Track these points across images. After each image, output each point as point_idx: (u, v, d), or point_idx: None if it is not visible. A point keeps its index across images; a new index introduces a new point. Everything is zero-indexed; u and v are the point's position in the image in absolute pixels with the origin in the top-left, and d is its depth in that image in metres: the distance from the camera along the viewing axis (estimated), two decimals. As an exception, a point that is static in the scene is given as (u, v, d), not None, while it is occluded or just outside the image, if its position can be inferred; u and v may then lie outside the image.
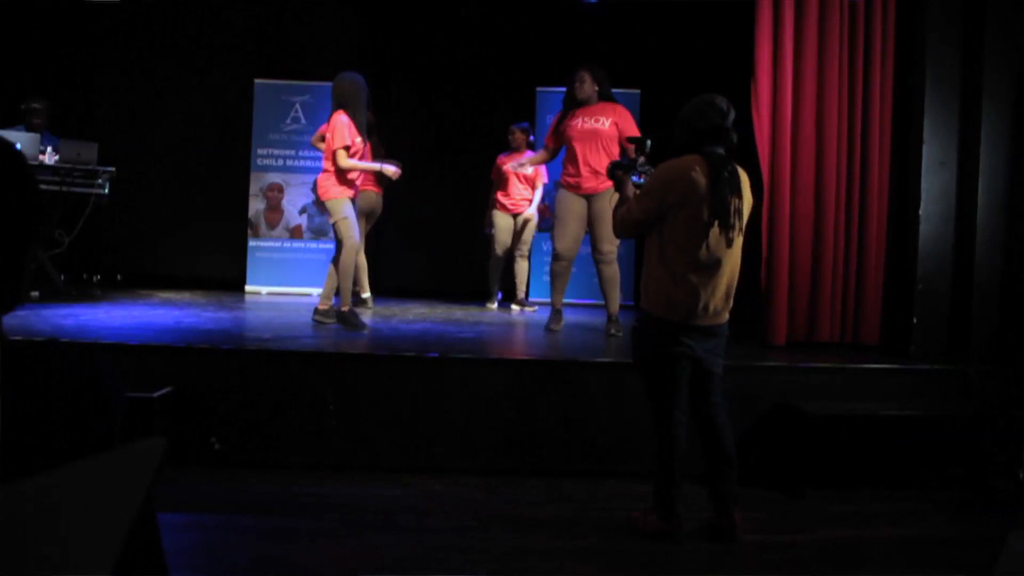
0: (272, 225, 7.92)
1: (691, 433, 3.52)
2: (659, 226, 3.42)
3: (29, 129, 6.56)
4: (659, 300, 3.43)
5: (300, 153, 7.85)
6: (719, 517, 3.51)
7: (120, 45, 8.02)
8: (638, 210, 3.47)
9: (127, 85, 8.00)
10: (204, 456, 4.30)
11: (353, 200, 5.61)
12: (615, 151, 5.38)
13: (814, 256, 5.31)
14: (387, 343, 5.08)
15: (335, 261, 5.65)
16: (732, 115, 3.45)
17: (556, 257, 5.67)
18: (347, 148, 5.43)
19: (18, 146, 1.07)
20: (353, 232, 5.52)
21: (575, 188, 5.51)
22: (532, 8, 8.01)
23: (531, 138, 7.18)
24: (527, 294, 7.49)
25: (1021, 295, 4.99)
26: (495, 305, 7.35)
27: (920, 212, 5.14)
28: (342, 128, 5.46)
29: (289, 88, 7.94)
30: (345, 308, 5.55)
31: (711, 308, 3.41)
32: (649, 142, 3.98)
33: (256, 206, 7.95)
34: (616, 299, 5.62)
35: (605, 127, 5.42)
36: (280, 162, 7.91)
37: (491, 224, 7.29)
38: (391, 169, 5.72)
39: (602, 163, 5.25)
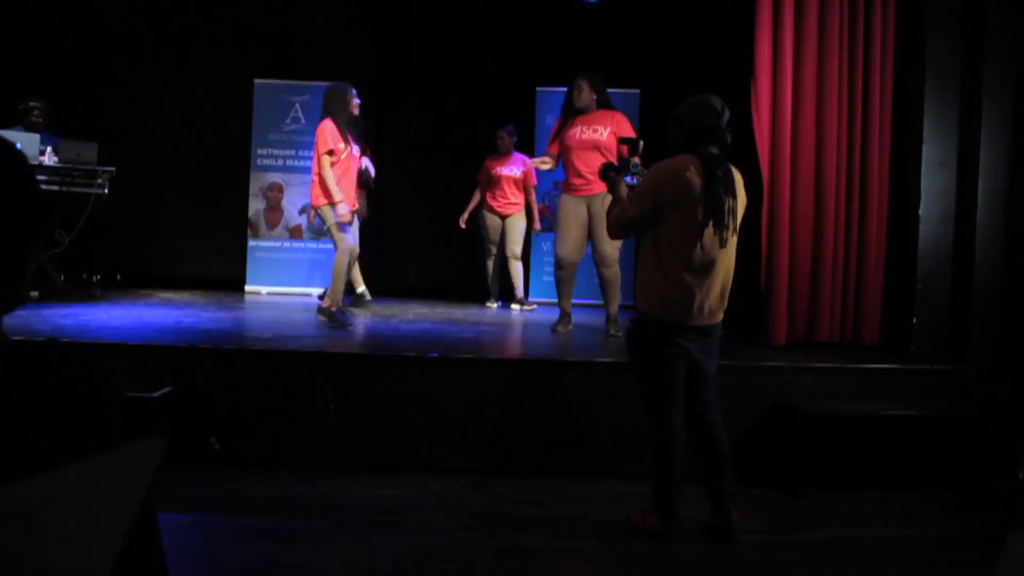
0: (272, 225, 7.93)
1: (686, 432, 3.52)
2: (654, 226, 3.43)
3: (28, 129, 6.56)
4: (655, 300, 3.43)
5: (300, 153, 7.86)
6: (716, 516, 3.52)
7: (120, 45, 8.01)
8: (632, 210, 3.47)
9: (127, 85, 8.00)
10: (204, 456, 4.30)
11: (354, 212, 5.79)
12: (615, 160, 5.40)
13: (814, 256, 5.31)
14: (387, 343, 5.08)
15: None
16: (727, 115, 3.45)
17: (558, 264, 5.67)
18: (330, 153, 5.61)
19: (18, 146, 1.06)
20: (345, 236, 5.67)
21: (575, 191, 5.52)
22: (532, 8, 8.02)
23: (514, 139, 7.20)
24: (527, 293, 7.50)
25: (1021, 295, 4.99)
26: (495, 304, 7.36)
27: (920, 212, 5.14)
28: (324, 134, 5.65)
29: (289, 88, 7.94)
30: (333, 307, 5.72)
31: (706, 308, 3.41)
32: (642, 143, 3.98)
33: (256, 206, 7.95)
34: (616, 300, 5.63)
35: (603, 137, 5.44)
36: (280, 162, 7.92)
37: (479, 224, 7.33)
38: (343, 209, 5.72)
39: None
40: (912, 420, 4.38)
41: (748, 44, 5.37)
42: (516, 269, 7.28)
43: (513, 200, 7.18)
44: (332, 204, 5.64)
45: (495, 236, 7.28)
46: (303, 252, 7.94)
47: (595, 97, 5.53)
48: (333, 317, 5.71)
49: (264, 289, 7.82)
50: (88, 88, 7.89)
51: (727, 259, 3.46)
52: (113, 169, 6.63)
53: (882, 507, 4.10)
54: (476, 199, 7.33)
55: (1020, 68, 5.03)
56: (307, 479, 4.24)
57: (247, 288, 7.85)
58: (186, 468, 4.14)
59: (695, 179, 3.34)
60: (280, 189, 7.90)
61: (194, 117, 8.00)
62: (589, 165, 5.38)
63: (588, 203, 5.48)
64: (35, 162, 6.22)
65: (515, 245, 7.21)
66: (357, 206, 5.89)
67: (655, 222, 3.41)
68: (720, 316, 3.51)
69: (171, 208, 8.04)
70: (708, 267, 3.38)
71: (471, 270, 8.04)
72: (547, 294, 7.37)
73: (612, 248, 5.43)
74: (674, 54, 7.52)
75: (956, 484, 4.30)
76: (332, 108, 5.74)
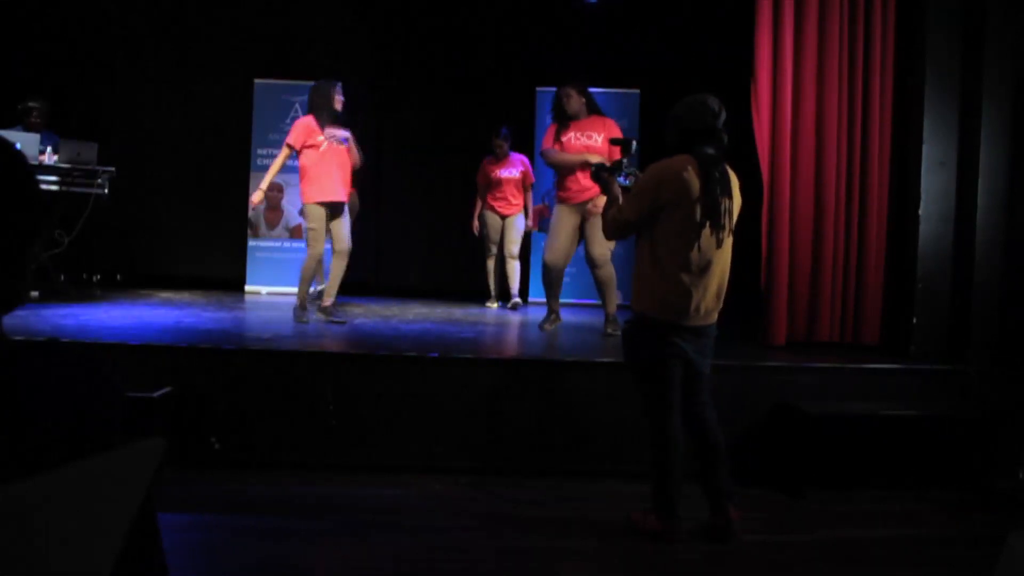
0: (272, 225, 7.93)
1: (683, 432, 3.52)
2: (651, 227, 3.43)
3: (27, 129, 6.56)
4: (651, 301, 3.43)
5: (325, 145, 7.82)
6: (715, 515, 3.52)
7: (120, 45, 8.01)
8: (630, 211, 3.46)
9: (127, 85, 8.00)
10: (204, 456, 4.30)
11: (330, 204, 5.76)
12: None
13: (814, 256, 5.31)
14: (387, 343, 5.08)
15: (332, 261, 5.97)
16: (724, 116, 3.45)
17: (544, 268, 5.72)
18: (288, 146, 5.78)
19: (18, 146, 1.06)
20: (314, 242, 5.80)
21: (569, 200, 5.54)
22: (532, 8, 8.02)
23: (509, 142, 7.22)
24: (526, 293, 7.51)
25: (1021, 295, 4.99)
26: (496, 305, 7.36)
27: (920, 212, 5.14)
28: (294, 129, 5.83)
29: (289, 88, 7.94)
30: (300, 305, 5.87)
31: (703, 308, 3.41)
32: (635, 143, 3.98)
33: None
34: (614, 300, 5.64)
35: (598, 144, 5.47)
36: (280, 162, 7.91)
37: (483, 224, 7.34)
38: (256, 196, 6.01)
39: None
40: (912, 420, 4.38)
41: (748, 44, 5.37)
42: (512, 268, 7.29)
43: (513, 201, 7.23)
44: (317, 203, 5.75)
45: (496, 236, 7.30)
46: (303, 252, 7.90)
47: (584, 101, 5.57)
48: (296, 314, 5.86)
49: (264, 289, 7.82)
50: (88, 88, 7.89)
51: (723, 260, 3.46)
52: (113, 169, 6.63)
53: (882, 507, 4.10)
54: (479, 203, 7.35)
55: (1020, 68, 5.03)
56: (307, 479, 4.24)
57: (247, 288, 7.85)
58: (186, 468, 4.14)
59: (693, 180, 3.34)
60: (280, 189, 7.89)
61: (194, 117, 8.00)
62: (582, 173, 5.41)
63: (582, 210, 5.51)
64: (35, 162, 6.22)
65: (513, 244, 7.23)
66: (342, 199, 5.81)
67: (652, 222, 3.41)
68: (715, 316, 3.52)
69: (171, 208, 8.04)
70: (705, 268, 3.38)
71: (471, 270, 8.04)
72: (541, 293, 7.38)
73: (604, 249, 5.46)
74: (674, 54, 7.52)
75: (956, 484, 4.30)
76: (315, 104, 5.83)
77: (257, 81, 7.94)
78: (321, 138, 5.72)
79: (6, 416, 0.91)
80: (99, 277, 7.22)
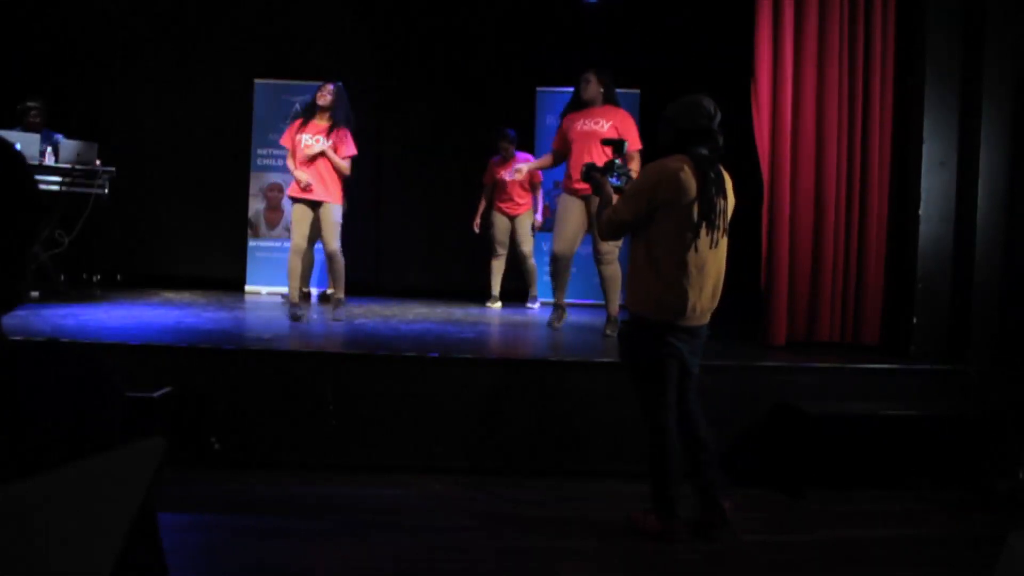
0: (272, 225, 7.93)
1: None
2: (646, 227, 3.43)
3: (26, 129, 6.55)
4: (648, 301, 3.43)
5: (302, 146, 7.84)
6: (707, 508, 3.52)
7: (120, 45, 8.01)
8: (626, 211, 3.47)
9: (127, 85, 8.00)
10: (204, 456, 4.30)
11: (309, 203, 5.83)
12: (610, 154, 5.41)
13: (814, 256, 5.31)
14: (387, 343, 5.08)
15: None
16: (719, 117, 3.45)
17: (552, 258, 5.70)
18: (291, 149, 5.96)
19: (18, 146, 1.06)
20: (293, 235, 5.88)
21: (574, 191, 5.53)
22: (532, 8, 8.01)
23: (514, 143, 7.24)
24: (536, 292, 7.51)
25: (1021, 295, 4.99)
26: (497, 305, 7.36)
27: (920, 212, 5.14)
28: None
29: (289, 88, 7.94)
30: (292, 299, 6.01)
31: (699, 309, 3.42)
32: (626, 144, 3.97)
33: (256, 206, 7.95)
34: (616, 300, 5.62)
35: (603, 129, 5.43)
36: (280, 162, 7.89)
37: (489, 224, 7.34)
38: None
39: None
40: (912, 420, 4.38)
41: (748, 44, 5.37)
42: (528, 268, 7.30)
43: (520, 201, 7.22)
44: (291, 199, 5.93)
45: (503, 236, 7.30)
46: (303, 252, 7.92)
47: (601, 91, 5.55)
48: (333, 308, 6.04)
49: (264, 289, 7.82)
50: (88, 88, 7.89)
51: (719, 260, 3.46)
52: (113, 169, 6.63)
53: (882, 507, 4.10)
54: (483, 203, 7.36)
55: (1020, 68, 5.03)
56: (307, 479, 4.24)
57: (247, 288, 7.86)
58: (186, 468, 4.14)
59: (689, 180, 3.34)
60: (280, 189, 7.89)
61: (194, 117, 7.99)
62: (585, 158, 5.38)
63: (587, 201, 5.48)
64: (35, 162, 6.22)
65: (524, 244, 7.23)
66: (314, 197, 5.81)
67: (648, 223, 3.41)
68: (709, 317, 3.52)
69: (171, 208, 8.03)
70: (701, 268, 3.39)
71: (471, 270, 8.04)
72: (551, 294, 7.38)
73: (611, 245, 5.43)
74: (674, 54, 7.51)
75: (956, 484, 4.30)
76: (305, 106, 6.04)
77: (257, 81, 7.94)
78: (300, 138, 5.84)
79: (6, 416, 0.91)
80: (99, 277, 7.22)
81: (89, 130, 7.01)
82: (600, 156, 5.34)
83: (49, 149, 6.42)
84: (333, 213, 5.80)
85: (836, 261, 5.33)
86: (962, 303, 5.08)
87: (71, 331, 4.98)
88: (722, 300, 3.56)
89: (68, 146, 6.45)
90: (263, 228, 7.94)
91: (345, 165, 5.81)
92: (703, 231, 3.36)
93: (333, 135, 5.78)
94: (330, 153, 5.74)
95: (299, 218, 5.83)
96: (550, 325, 5.84)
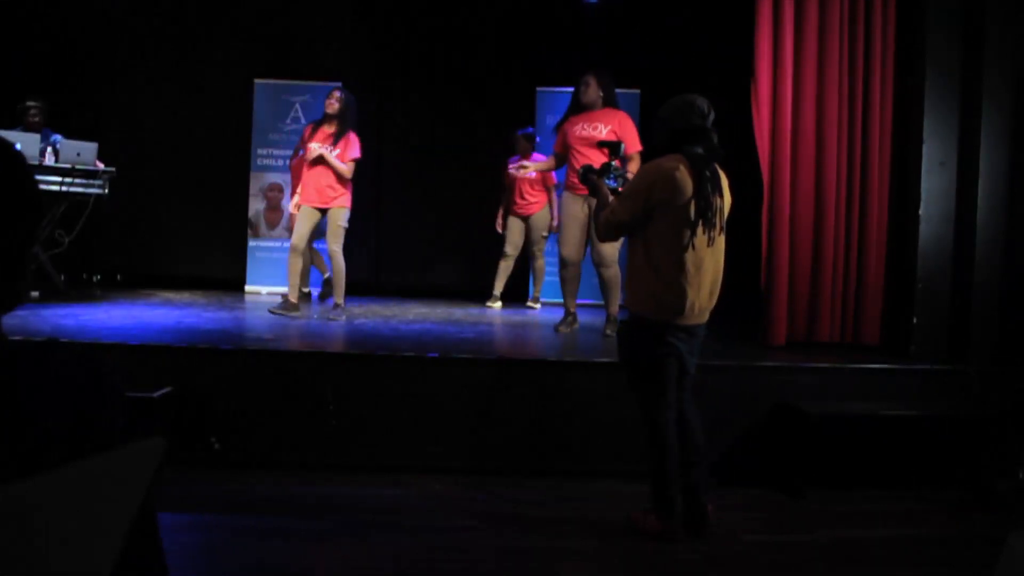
0: (272, 225, 7.92)
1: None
2: (643, 227, 3.43)
3: (26, 128, 6.55)
4: (646, 300, 3.43)
5: (300, 153, 7.85)
6: (690, 507, 3.51)
7: (120, 45, 8.01)
8: (623, 211, 3.47)
9: (127, 85, 8.00)
10: (204, 456, 4.30)
11: (312, 207, 5.99)
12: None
13: (814, 256, 5.31)
14: (387, 343, 5.08)
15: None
16: (712, 115, 3.46)
17: (563, 263, 5.68)
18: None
19: (18, 146, 1.07)
20: (293, 233, 6.04)
21: (574, 189, 5.53)
22: (532, 8, 8.01)
23: (538, 139, 7.24)
24: (539, 293, 7.50)
25: (1021, 295, 4.99)
26: (497, 304, 7.35)
27: (920, 212, 5.14)
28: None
29: (289, 88, 7.94)
30: (291, 298, 6.13)
31: (697, 307, 3.42)
32: (622, 146, 3.99)
33: (256, 206, 7.95)
34: (616, 301, 5.62)
35: (602, 134, 5.44)
36: (280, 162, 7.91)
37: (503, 226, 7.34)
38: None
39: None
40: (912, 420, 4.38)
41: (748, 44, 5.36)
42: (537, 267, 7.29)
43: (532, 200, 7.18)
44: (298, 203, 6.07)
45: (513, 237, 7.28)
46: (303, 252, 7.92)
47: (601, 95, 5.54)
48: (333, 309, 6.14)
49: (264, 289, 7.81)
50: (88, 88, 7.89)
51: (716, 258, 3.47)
52: (113, 169, 6.63)
53: (882, 507, 4.10)
54: (502, 206, 7.37)
55: (1020, 68, 5.03)
56: (307, 479, 4.24)
57: (247, 288, 7.85)
58: (186, 468, 4.14)
59: (686, 179, 3.35)
60: (280, 189, 7.89)
61: (194, 117, 7.99)
62: (585, 162, 5.39)
63: (588, 202, 5.48)
64: (35, 162, 6.22)
65: (536, 244, 7.20)
66: (313, 203, 5.98)
67: (645, 223, 3.42)
68: (707, 316, 3.52)
69: (171, 208, 8.03)
70: (699, 267, 3.39)
71: (471, 270, 8.04)
72: (558, 294, 7.37)
73: (612, 249, 5.42)
74: (674, 54, 7.51)
75: (956, 484, 4.30)
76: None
77: (257, 81, 7.94)
78: (311, 146, 5.95)
79: (6, 416, 0.91)
80: (99, 277, 7.22)
81: (89, 130, 7.01)
82: (600, 160, 5.35)
83: (49, 149, 6.42)
84: (340, 217, 5.95)
85: (836, 261, 5.33)
86: (962, 303, 5.08)
87: (71, 331, 4.98)
88: (722, 300, 3.57)
89: (68, 146, 6.45)
90: (263, 228, 7.93)
91: (345, 168, 5.89)
92: (700, 230, 3.36)
93: (341, 141, 5.92)
94: (328, 157, 5.84)
95: (303, 216, 5.96)
96: (557, 329, 5.81)
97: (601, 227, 3.63)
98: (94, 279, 7.17)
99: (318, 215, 5.99)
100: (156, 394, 4.06)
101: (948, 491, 4.26)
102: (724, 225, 3.47)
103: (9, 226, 0.99)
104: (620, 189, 3.69)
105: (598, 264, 5.53)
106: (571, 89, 5.73)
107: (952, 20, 5.12)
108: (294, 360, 4.62)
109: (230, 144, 7.96)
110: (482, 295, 7.49)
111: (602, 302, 5.90)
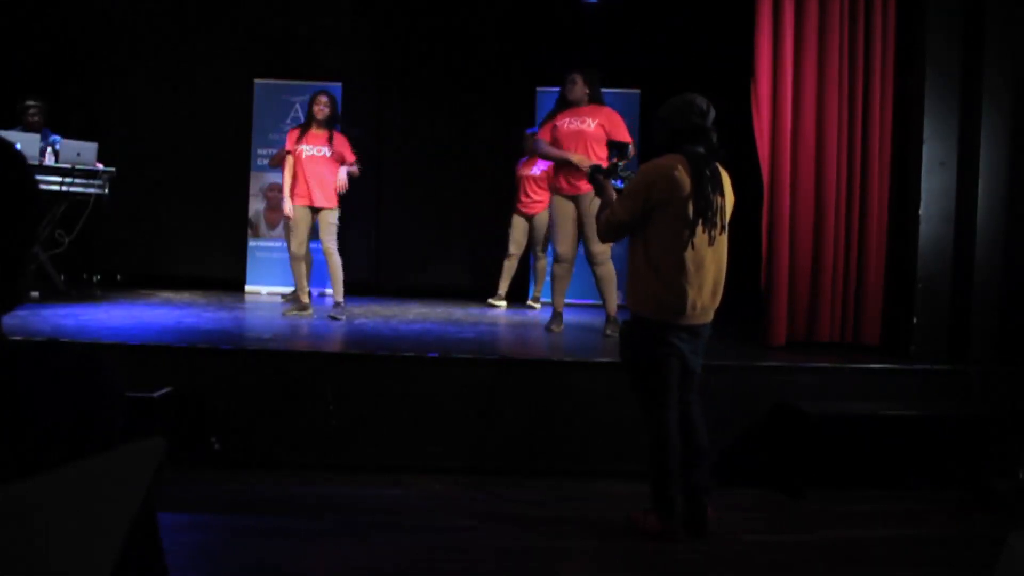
0: (272, 225, 7.92)
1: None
2: (643, 227, 3.43)
3: (26, 128, 6.55)
4: (647, 301, 3.43)
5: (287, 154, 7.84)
6: (690, 508, 3.51)
7: (120, 45, 8.01)
8: (622, 211, 3.47)
9: (127, 85, 8.00)
10: (204, 456, 4.30)
11: (310, 207, 6.09)
12: (601, 152, 5.44)
13: (814, 256, 5.31)
14: (387, 343, 5.08)
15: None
16: (712, 114, 3.46)
17: (557, 260, 5.70)
18: (288, 155, 6.18)
19: (18, 146, 1.06)
20: (292, 239, 6.17)
21: (561, 190, 5.55)
22: (532, 8, 8.01)
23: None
24: (539, 293, 7.51)
25: (1021, 295, 4.99)
26: (502, 303, 7.35)
27: (920, 212, 5.14)
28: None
29: (289, 88, 7.94)
30: (302, 300, 6.30)
31: (698, 307, 3.41)
32: (631, 146, 3.99)
33: (256, 206, 7.95)
34: (614, 299, 5.62)
35: (590, 128, 5.46)
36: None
37: (509, 223, 7.36)
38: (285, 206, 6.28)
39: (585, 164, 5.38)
40: (912, 420, 4.38)
41: (748, 44, 5.36)
42: (538, 268, 7.30)
43: (537, 199, 7.17)
44: (293, 205, 6.14)
45: (517, 236, 7.30)
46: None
47: (587, 92, 5.58)
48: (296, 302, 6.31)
49: (264, 289, 7.82)
50: (88, 88, 7.89)
51: (718, 258, 3.46)
52: (113, 169, 6.63)
53: (882, 507, 4.09)
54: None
55: (1020, 68, 5.03)
56: (307, 479, 4.24)
57: (247, 288, 7.85)
58: (186, 468, 4.14)
59: (683, 178, 3.35)
60: (280, 189, 7.87)
61: (194, 117, 7.99)
62: (576, 169, 5.42)
63: (576, 202, 5.50)
64: (35, 162, 6.22)
65: (539, 243, 7.21)
66: (309, 203, 6.09)
67: (645, 222, 3.42)
68: (711, 315, 3.52)
69: (171, 208, 8.03)
70: (699, 266, 3.39)
71: (471, 270, 8.04)
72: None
73: (603, 247, 5.44)
74: (674, 54, 7.51)
75: (956, 484, 4.30)
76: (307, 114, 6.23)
77: (257, 81, 7.94)
78: (300, 147, 6.07)
79: (6, 416, 0.91)
80: (99, 277, 7.22)
81: (89, 130, 7.01)
82: (591, 155, 5.39)
83: (49, 149, 6.42)
84: (332, 216, 6.09)
85: (836, 261, 5.33)
86: (962, 303, 5.08)
87: (71, 331, 4.98)
88: (722, 300, 3.56)
89: (68, 146, 6.45)
90: (263, 228, 7.93)
91: (357, 171, 6.19)
92: (700, 228, 3.36)
93: (334, 143, 6.05)
94: (345, 170, 6.11)
95: (298, 220, 6.09)
96: (548, 329, 5.83)
97: (602, 227, 3.63)
98: (94, 279, 7.17)
99: (311, 216, 6.09)
100: (156, 394, 4.06)
101: (948, 491, 4.26)
102: (726, 224, 3.46)
103: (9, 226, 0.99)
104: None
105: (591, 262, 5.54)
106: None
107: (952, 20, 5.12)
108: (294, 360, 4.62)
109: (230, 144, 7.97)
110: (482, 295, 7.49)
111: (601, 302, 5.90)
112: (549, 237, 7.22)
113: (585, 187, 5.38)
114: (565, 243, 5.60)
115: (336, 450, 4.40)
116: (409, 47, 8.24)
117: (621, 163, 3.82)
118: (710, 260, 3.41)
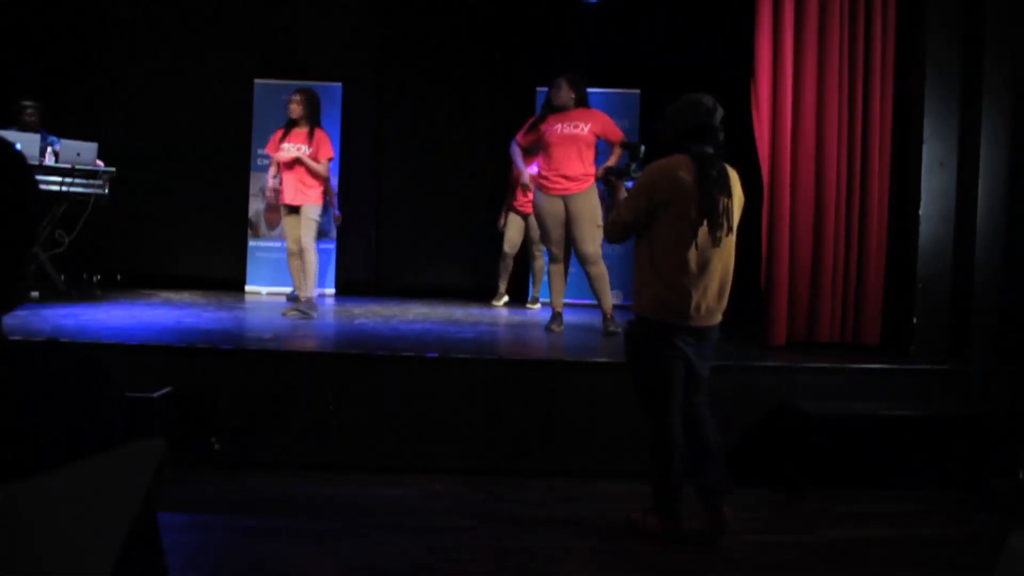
0: (272, 225, 7.92)
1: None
2: (648, 227, 3.42)
3: (22, 128, 6.55)
4: (651, 302, 3.42)
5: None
6: (706, 514, 3.50)
7: (120, 45, 8.01)
8: (626, 212, 3.47)
9: (127, 85, 8.00)
10: (204, 456, 4.30)
11: (291, 208, 6.16)
12: (591, 156, 5.48)
13: (814, 256, 5.31)
14: (387, 343, 5.08)
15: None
16: (719, 113, 3.44)
17: (552, 258, 5.71)
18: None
19: (18, 146, 1.07)
20: (287, 240, 6.27)
21: (547, 188, 5.56)
22: (532, 8, 8.01)
23: None
24: (538, 293, 7.51)
25: (1021, 295, 4.99)
26: (502, 303, 7.35)
27: (920, 212, 5.14)
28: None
29: (289, 88, 7.89)
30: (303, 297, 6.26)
31: (703, 308, 3.40)
32: (643, 147, 3.99)
33: (256, 206, 7.95)
34: (608, 297, 5.62)
35: (584, 132, 5.50)
36: (280, 162, 7.90)
37: (504, 224, 7.36)
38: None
39: (575, 168, 5.47)
40: (912, 420, 4.38)
41: (748, 44, 5.36)
42: (536, 267, 7.30)
43: (531, 199, 7.18)
44: (282, 205, 6.24)
45: (511, 236, 7.30)
46: (303, 252, 7.91)
47: (573, 96, 5.60)
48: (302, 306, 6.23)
49: (264, 289, 7.82)
50: (88, 88, 7.89)
51: (724, 258, 3.44)
52: (113, 169, 6.64)
53: (882, 507, 4.09)
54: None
55: (1020, 68, 5.03)
56: (307, 479, 4.24)
57: (247, 288, 7.85)
58: (186, 468, 4.14)
59: (687, 178, 3.34)
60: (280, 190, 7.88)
61: (194, 117, 7.99)
62: (568, 161, 5.45)
63: (565, 202, 5.51)
64: (35, 162, 6.22)
65: (535, 244, 7.20)
66: (289, 202, 6.14)
67: (650, 223, 3.41)
68: (719, 317, 3.49)
69: (171, 208, 8.03)
70: (703, 267, 3.37)
71: (471, 270, 8.04)
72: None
73: (595, 247, 5.45)
74: (674, 54, 7.51)
75: (956, 484, 4.30)
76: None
77: (257, 81, 7.94)
78: (283, 147, 6.12)
79: (6, 416, 0.91)
80: (99, 277, 7.22)
81: (89, 130, 7.01)
82: (582, 158, 5.41)
83: (49, 149, 6.42)
84: (309, 212, 6.15)
85: (836, 261, 5.33)
86: (962, 303, 5.08)
87: (71, 331, 4.98)
88: (724, 300, 3.56)
89: (68, 146, 6.45)
90: (263, 228, 7.93)
91: (321, 168, 6.10)
92: (704, 229, 3.34)
93: (313, 140, 6.09)
94: (305, 159, 6.04)
95: (287, 223, 6.22)
96: (549, 329, 5.82)
97: (608, 228, 3.63)
98: (94, 279, 7.17)
99: (296, 216, 6.15)
100: (156, 394, 4.06)
101: (948, 491, 4.26)
102: (733, 225, 3.42)
103: (9, 226, 0.99)
104: None
105: (583, 263, 5.55)
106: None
107: (952, 20, 5.12)
108: (294, 360, 4.62)
109: (230, 144, 7.96)
110: (482, 295, 7.49)
111: (597, 302, 5.90)
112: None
113: (574, 187, 5.41)
114: (552, 241, 5.62)
115: (336, 450, 4.40)
116: (409, 47, 8.24)
117: (633, 164, 3.83)
118: (716, 261, 3.39)
